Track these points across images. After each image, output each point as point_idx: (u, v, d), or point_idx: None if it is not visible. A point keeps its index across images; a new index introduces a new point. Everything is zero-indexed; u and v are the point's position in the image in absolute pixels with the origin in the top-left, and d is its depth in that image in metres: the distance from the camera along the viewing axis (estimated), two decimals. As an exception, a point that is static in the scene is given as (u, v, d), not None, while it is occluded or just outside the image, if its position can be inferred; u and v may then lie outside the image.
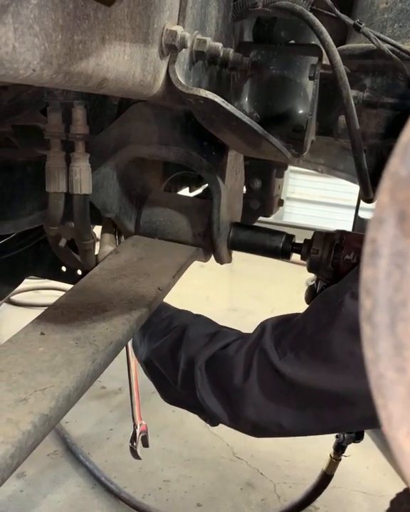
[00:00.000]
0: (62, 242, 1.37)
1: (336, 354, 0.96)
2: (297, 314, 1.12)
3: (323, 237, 1.28)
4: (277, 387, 1.02)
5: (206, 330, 1.19)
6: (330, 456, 2.00)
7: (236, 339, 1.12)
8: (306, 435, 1.10)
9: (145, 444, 1.54)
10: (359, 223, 1.94)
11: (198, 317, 1.24)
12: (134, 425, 1.51)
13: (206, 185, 1.81)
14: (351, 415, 0.98)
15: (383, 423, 0.26)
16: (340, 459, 1.99)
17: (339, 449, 1.94)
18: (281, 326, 1.08)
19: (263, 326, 1.10)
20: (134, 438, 1.50)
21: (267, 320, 1.13)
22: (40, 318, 0.97)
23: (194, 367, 1.10)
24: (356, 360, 0.93)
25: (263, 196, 1.76)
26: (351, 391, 0.95)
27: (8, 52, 0.52)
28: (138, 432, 1.52)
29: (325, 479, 2.07)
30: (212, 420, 1.18)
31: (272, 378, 1.02)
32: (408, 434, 0.26)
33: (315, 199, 6.95)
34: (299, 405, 1.02)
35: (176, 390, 1.15)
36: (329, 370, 0.96)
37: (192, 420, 2.94)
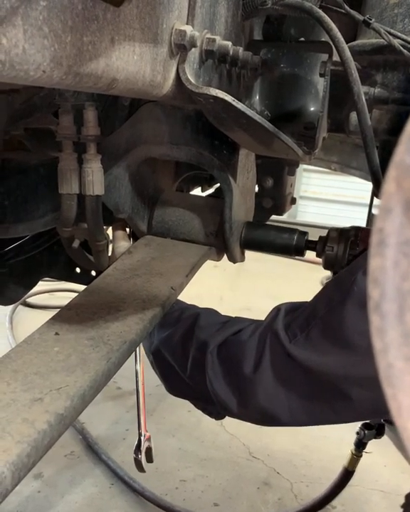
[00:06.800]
0: (76, 244, 1.38)
1: (347, 335, 0.93)
2: None
3: (338, 233, 1.28)
4: (289, 372, 0.99)
5: (219, 318, 1.18)
6: (351, 452, 1.99)
7: (249, 324, 1.11)
8: (318, 425, 1.07)
9: (149, 459, 1.49)
10: (374, 220, 1.93)
11: (210, 309, 1.24)
12: (139, 434, 1.47)
13: (218, 184, 1.81)
14: (363, 402, 0.96)
15: (393, 413, 0.26)
16: (361, 455, 1.98)
17: (360, 445, 1.93)
18: (294, 310, 1.06)
19: (277, 309, 1.08)
20: (138, 449, 1.45)
21: (281, 304, 1.11)
22: (54, 319, 0.97)
23: (206, 352, 1.08)
24: (367, 341, 0.91)
25: (275, 195, 1.76)
26: (363, 374, 0.92)
27: (18, 53, 0.52)
28: (143, 441, 1.47)
29: (347, 475, 2.06)
30: (218, 412, 1.16)
31: (284, 362, 0.99)
32: None
33: (329, 197, 6.93)
34: (310, 392, 0.99)
35: (183, 381, 1.14)
36: (339, 352, 0.94)
37: (208, 420, 2.92)
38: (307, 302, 1.08)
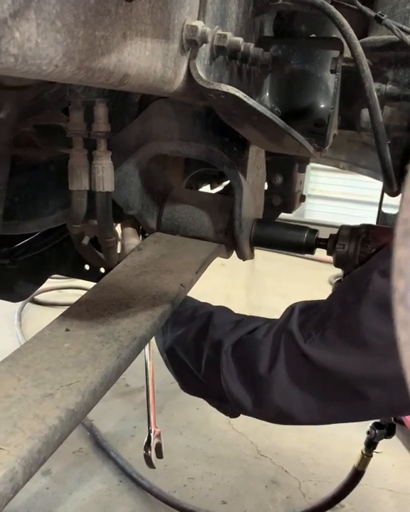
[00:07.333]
0: (86, 240, 1.38)
1: (363, 335, 0.93)
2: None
3: (349, 231, 1.27)
4: (304, 372, 1.00)
5: (232, 317, 1.18)
6: (362, 452, 1.98)
7: (264, 324, 1.11)
8: (334, 423, 1.07)
9: (159, 455, 1.49)
10: (383, 219, 1.92)
11: (223, 307, 1.24)
12: (149, 431, 1.47)
13: (227, 182, 1.80)
14: (380, 401, 0.96)
15: None
16: (371, 455, 1.96)
17: (371, 445, 1.91)
18: (308, 309, 1.06)
19: (291, 308, 1.08)
20: (148, 445, 1.45)
21: (296, 303, 1.11)
22: (65, 315, 0.97)
23: (220, 351, 1.08)
24: (384, 341, 0.92)
25: (284, 192, 1.75)
26: (379, 374, 0.93)
27: (31, 47, 0.52)
28: (153, 437, 1.48)
29: (356, 475, 2.05)
30: (233, 410, 1.16)
31: (299, 362, 1.00)
32: None
33: (337, 196, 6.91)
34: (326, 391, 1.00)
35: (198, 379, 1.14)
36: (355, 352, 0.94)
37: (216, 418, 2.94)
38: (321, 301, 1.08)
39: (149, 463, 1.41)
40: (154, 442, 1.40)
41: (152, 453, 1.40)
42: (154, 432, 1.41)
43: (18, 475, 0.63)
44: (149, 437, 1.40)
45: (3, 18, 0.49)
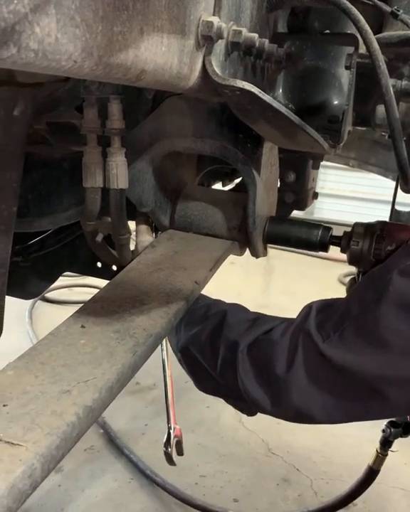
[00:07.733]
0: (99, 237, 1.38)
1: (382, 334, 0.94)
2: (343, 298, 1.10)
3: (363, 228, 1.26)
4: (322, 371, 1.00)
5: (246, 316, 1.18)
6: (377, 450, 1.97)
7: (280, 323, 1.11)
8: (352, 422, 1.07)
9: (179, 452, 1.49)
10: (396, 216, 1.91)
11: (236, 305, 1.23)
12: (169, 428, 1.47)
13: (239, 179, 1.80)
14: (399, 400, 0.96)
15: None
16: (387, 454, 1.95)
17: (386, 443, 1.91)
18: (326, 309, 1.06)
19: (308, 308, 1.08)
20: (168, 442, 1.45)
21: (312, 302, 1.11)
22: (80, 312, 0.97)
23: (236, 351, 1.08)
24: (403, 341, 0.92)
25: (297, 189, 1.75)
26: (398, 373, 0.93)
27: (51, 43, 0.52)
28: (172, 435, 1.48)
29: (371, 474, 2.04)
30: (249, 409, 1.16)
31: (317, 362, 1.00)
32: None
33: (346, 194, 6.88)
34: (345, 391, 1.00)
35: (214, 378, 1.14)
36: (374, 351, 0.95)
37: (227, 416, 2.94)
38: (339, 300, 1.08)
39: (170, 460, 1.42)
40: (173, 440, 1.40)
41: (173, 450, 1.40)
42: (175, 429, 1.41)
43: (36, 471, 0.63)
44: (169, 434, 1.40)
45: (24, 13, 0.48)
